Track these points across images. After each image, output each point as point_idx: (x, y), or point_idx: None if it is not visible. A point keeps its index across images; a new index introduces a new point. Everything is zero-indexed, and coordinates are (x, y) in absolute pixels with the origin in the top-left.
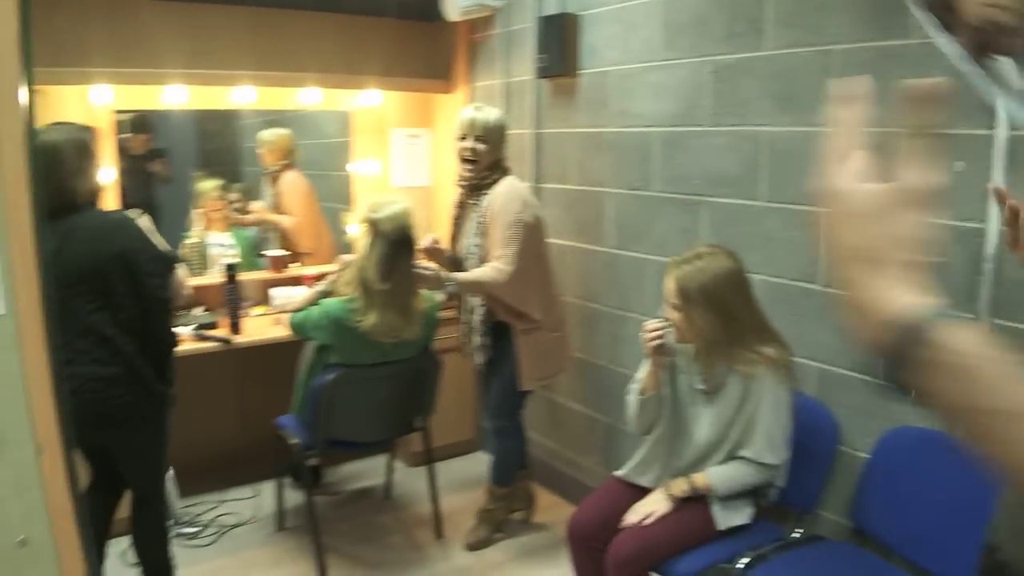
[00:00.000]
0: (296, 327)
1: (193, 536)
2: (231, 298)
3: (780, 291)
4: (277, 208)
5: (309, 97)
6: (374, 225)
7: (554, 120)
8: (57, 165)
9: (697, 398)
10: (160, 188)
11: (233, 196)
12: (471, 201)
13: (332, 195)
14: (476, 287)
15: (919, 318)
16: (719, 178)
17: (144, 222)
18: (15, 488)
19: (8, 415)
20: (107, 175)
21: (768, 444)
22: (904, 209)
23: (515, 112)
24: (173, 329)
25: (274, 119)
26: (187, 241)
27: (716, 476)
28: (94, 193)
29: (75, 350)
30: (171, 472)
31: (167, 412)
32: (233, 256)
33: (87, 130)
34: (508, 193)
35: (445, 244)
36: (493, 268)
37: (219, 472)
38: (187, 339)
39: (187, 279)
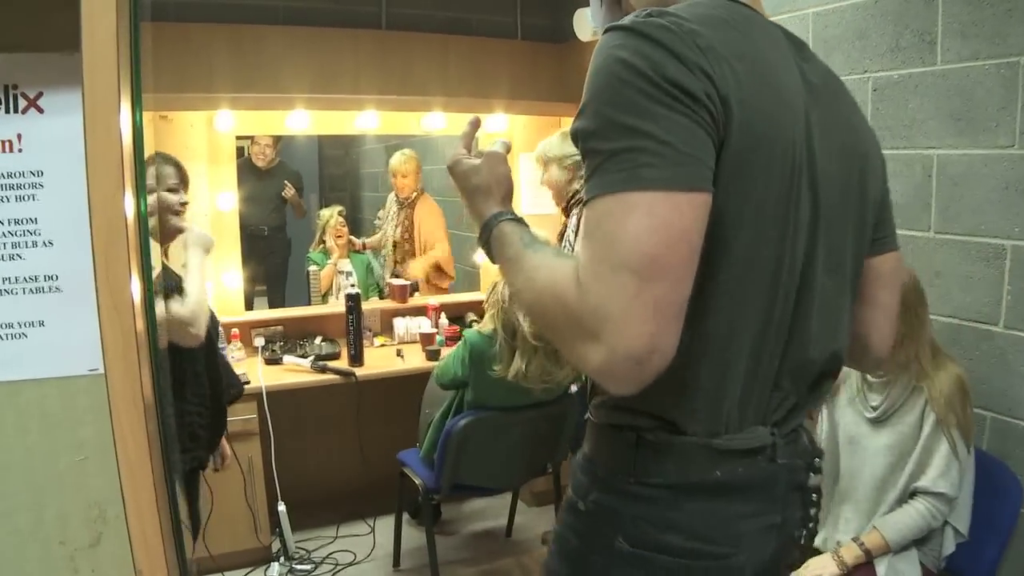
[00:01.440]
0: (440, 376)
1: (307, 574)
2: (354, 329)
3: (952, 332)
4: (409, 233)
5: (433, 122)
6: None
7: None
8: None
9: (864, 430)
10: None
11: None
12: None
13: (456, 223)
14: None
15: (493, 215)
16: None
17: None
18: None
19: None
20: (227, 201)
21: (944, 471)
22: (489, 165)
23: None
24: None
25: (396, 144)
26: (309, 268)
27: (890, 529)
28: None
29: None
30: (283, 507)
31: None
32: (351, 284)
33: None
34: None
35: None
36: None
37: (335, 506)
38: (306, 370)
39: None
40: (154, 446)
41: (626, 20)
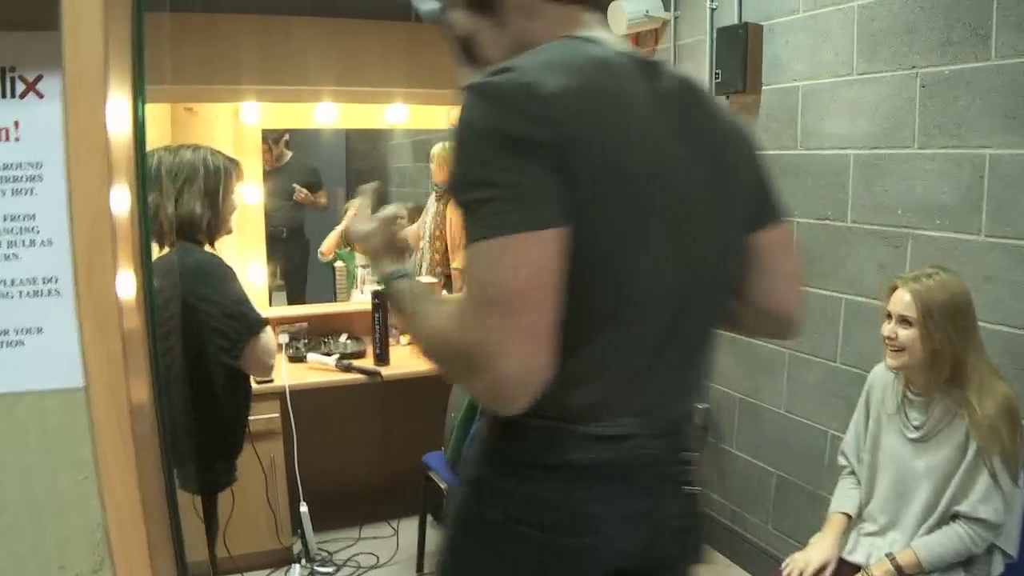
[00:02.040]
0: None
1: None
2: (380, 327)
3: (1003, 341)
4: (441, 226)
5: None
6: None
7: None
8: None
9: (906, 450)
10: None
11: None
12: None
13: None
14: None
15: (387, 275)
16: (928, 208)
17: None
18: None
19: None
20: (253, 195)
21: (985, 496)
22: (382, 230)
23: None
24: (235, 404)
25: (424, 139)
26: (333, 263)
27: (925, 549)
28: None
29: None
30: (305, 508)
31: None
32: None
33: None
34: None
35: None
36: None
37: (358, 507)
38: (330, 369)
39: (273, 347)
40: (148, 467)
41: (476, 80)
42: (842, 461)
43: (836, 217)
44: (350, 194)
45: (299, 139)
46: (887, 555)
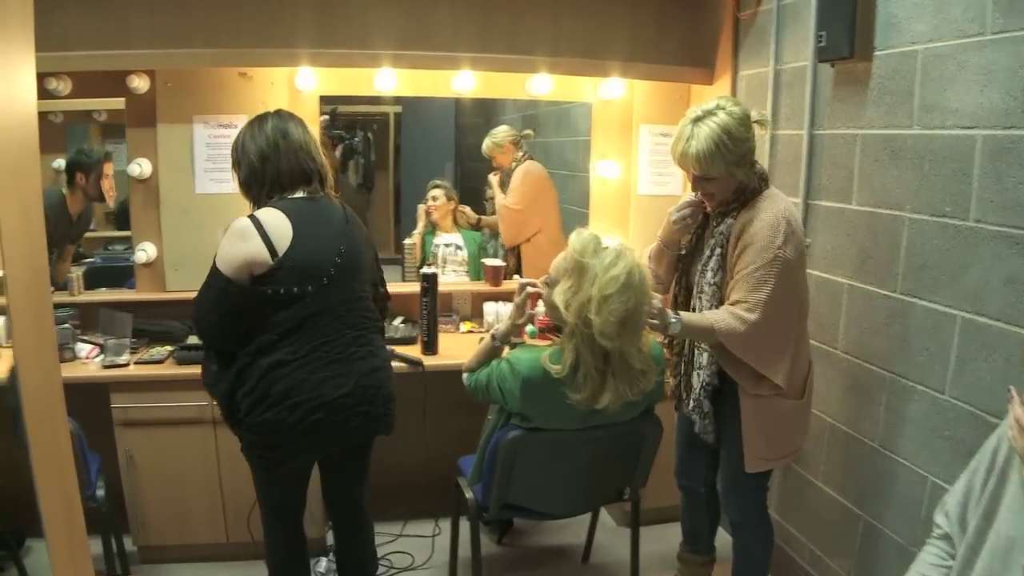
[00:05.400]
0: (474, 391)
1: None
2: (427, 313)
3: None
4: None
5: (539, 86)
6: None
7: (836, 118)
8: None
9: None
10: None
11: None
12: (712, 226)
13: (571, 198)
14: (706, 335)
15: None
16: None
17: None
18: None
19: None
20: None
21: None
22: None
23: (786, 107)
24: None
25: (532, 114)
26: (405, 240)
27: None
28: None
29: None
30: None
31: None
32: (459, 261)
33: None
34: (768, 217)
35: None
36: (733, 315)
37: (402, 502)
38: None
39: None
40: None
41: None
42: (939, 520)
43: (956, 214)
44: (459, 171)
45: (409, 108)
46: None
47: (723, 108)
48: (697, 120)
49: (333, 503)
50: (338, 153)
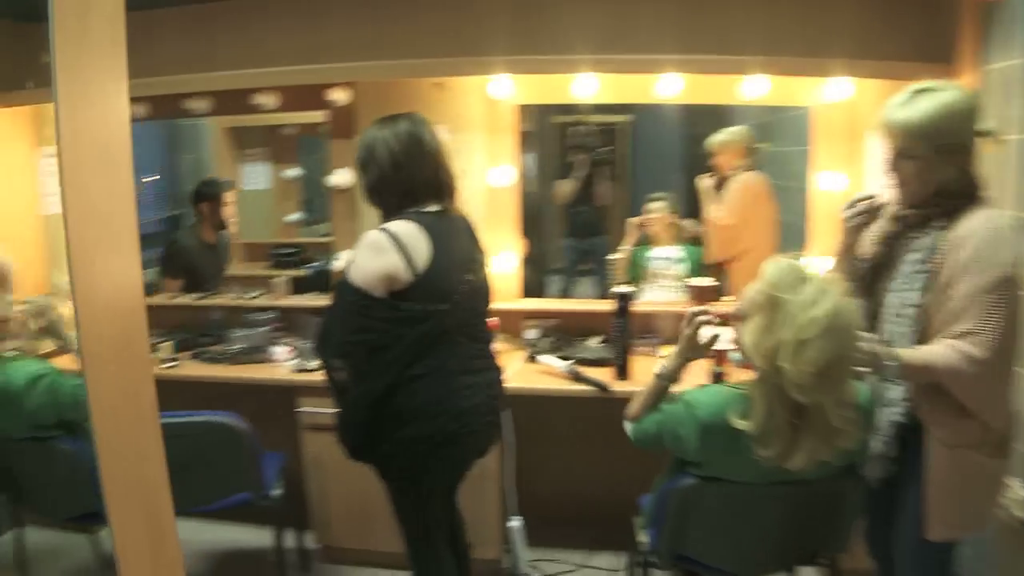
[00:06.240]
0: (641, 441)
1: None
2: (620, 334)
3: None
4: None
5: (754, 88)
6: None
7: None
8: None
9: None
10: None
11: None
12: (910, 236)
13: (791, 214)
14: (926, 373)
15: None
16: None
17: None
18: None
19: None
20: (505, 176)
21: None
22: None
23: None
24: None
25: (766, 122)
26: (609, 256)
27: None
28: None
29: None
30: (516, 523)
31: None
32: (675, 275)
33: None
34: (988, 234)
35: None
36: (958, 352)
37: (583, 529)
38: (560, 375)
39: None
40: None
41: None
42: None
43: None
44: (686, 181)
45: (639, 117)
46: None
47: (953, 88)
48: (919, 92)
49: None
50: (582, 166)
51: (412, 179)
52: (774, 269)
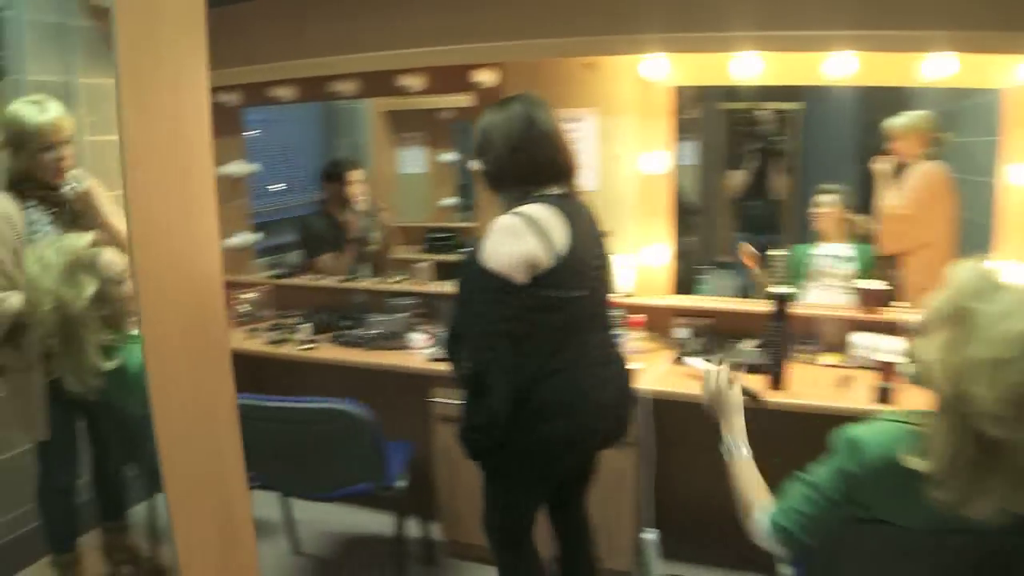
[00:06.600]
0: (786, 536)
1: None
2: (775, 339)
3: None
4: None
5: (938, 68)
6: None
7: None
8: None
9: None
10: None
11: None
12: None
13: (974, 209)
14: None
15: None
16: None
17: None
18: None
19: None
20: (658, 162)
21: None
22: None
23: None
24: None
25: (949, 108)
26: (769, 252)
27: None
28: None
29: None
30: (652, 535)
31: None
32: (843, 275)
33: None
34: None
35: None
36: None
37: (725, 547)
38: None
39: None
40: None
41: None
42: None
43: None
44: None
45: (808, 98)
46: None
47: None
48: None
49: (563, 516)
50: (754, 157)
51: (532, 161)
52: (963, 274)
